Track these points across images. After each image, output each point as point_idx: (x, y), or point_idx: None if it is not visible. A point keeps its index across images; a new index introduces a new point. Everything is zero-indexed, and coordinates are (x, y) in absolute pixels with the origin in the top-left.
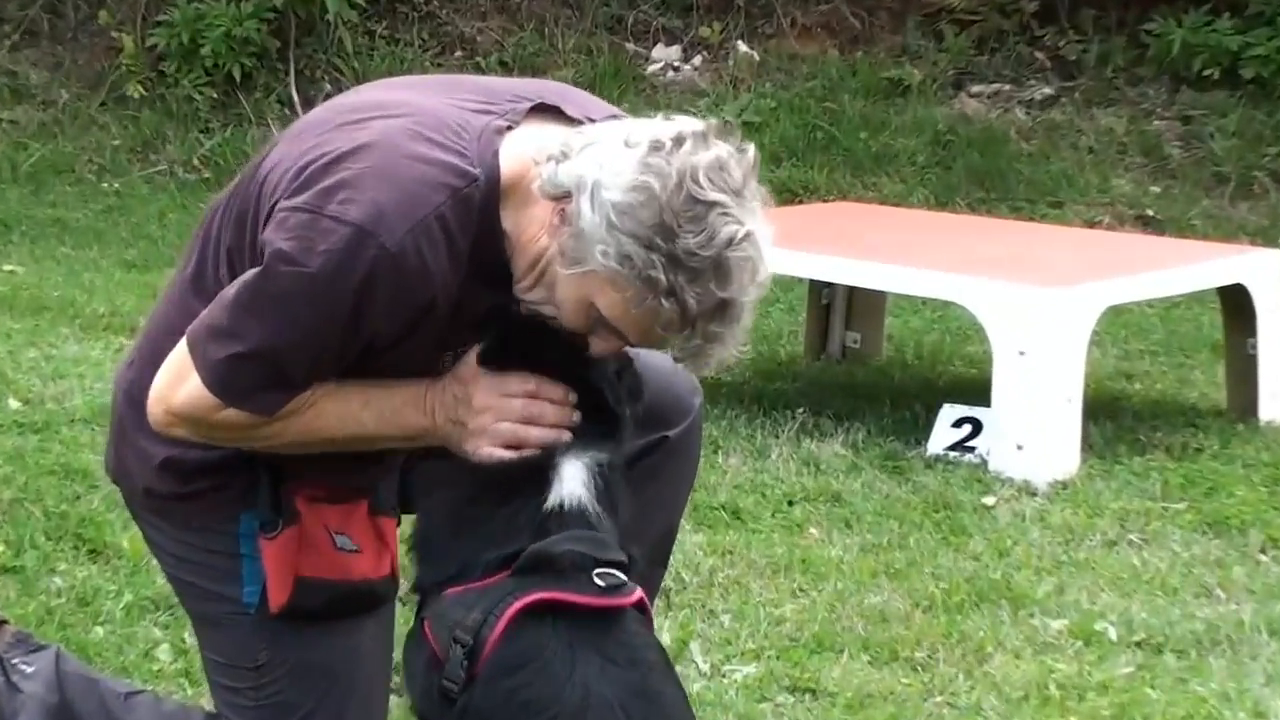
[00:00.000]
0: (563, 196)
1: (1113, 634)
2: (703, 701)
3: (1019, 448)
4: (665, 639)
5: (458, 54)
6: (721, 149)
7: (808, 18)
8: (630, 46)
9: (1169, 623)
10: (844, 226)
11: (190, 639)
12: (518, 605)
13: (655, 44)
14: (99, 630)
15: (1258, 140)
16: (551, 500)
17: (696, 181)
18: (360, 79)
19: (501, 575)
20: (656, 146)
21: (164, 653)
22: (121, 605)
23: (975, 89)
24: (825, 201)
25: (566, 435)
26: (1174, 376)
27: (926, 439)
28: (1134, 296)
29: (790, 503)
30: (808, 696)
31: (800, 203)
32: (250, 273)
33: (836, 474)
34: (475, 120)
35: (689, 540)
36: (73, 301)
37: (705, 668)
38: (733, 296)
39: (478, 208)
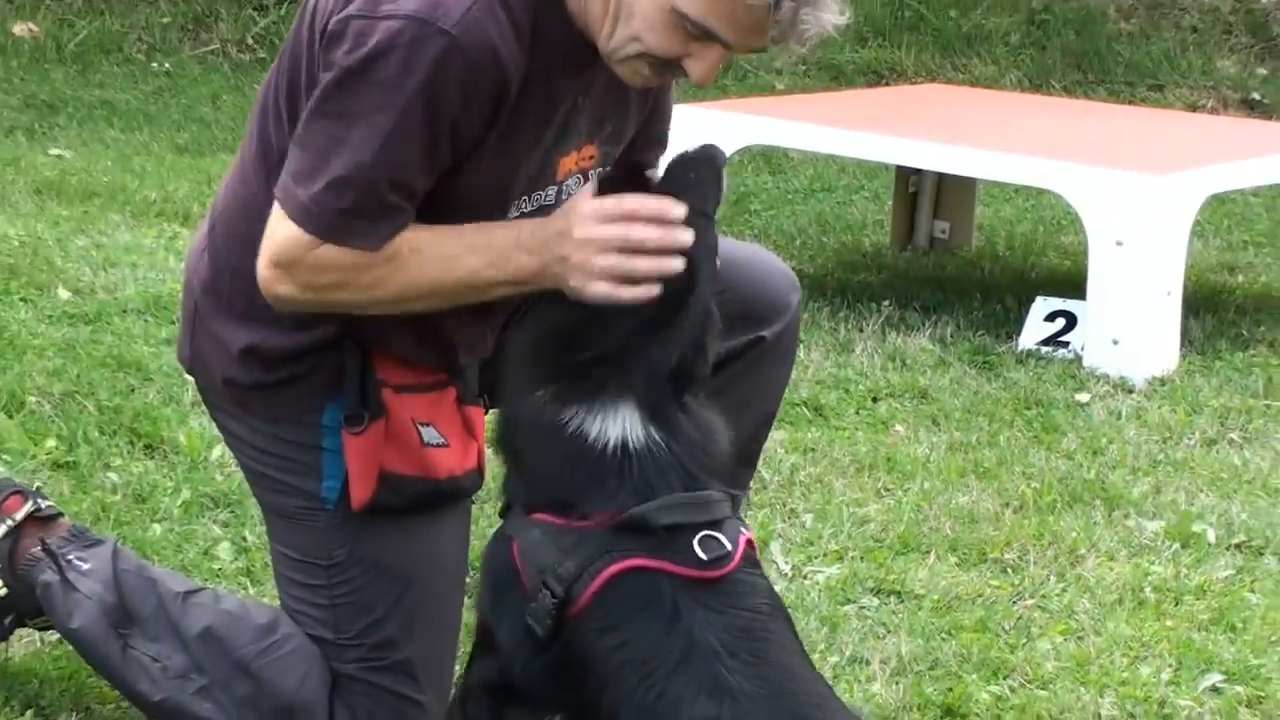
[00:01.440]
0: None
1: (1211, 536)
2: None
3: (1115, 343)
4: None
5: None
6: None
7: None
8: None
9: (1270, 524)
10: (932, 110)
11: (252, 537)
12: (615, 569)
13: None
14: (156, 528)
15: None
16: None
17: None
18: None
19: (599, 522)
20: None
21: (224, 551)
22: (179, 502)
23: None
24: (913, 84)
25: (678, 263)
26: (1279, 269)
27: (1018, 333)
28: (1238, 184)
29: (875, 399)
30: (892, 599)
31: (886, 84)
32: (314, 101)
33: (923, 369)
34: None
35: (770, 438)
36: (123, 187)
37: (786, 569)
38: None
39: None
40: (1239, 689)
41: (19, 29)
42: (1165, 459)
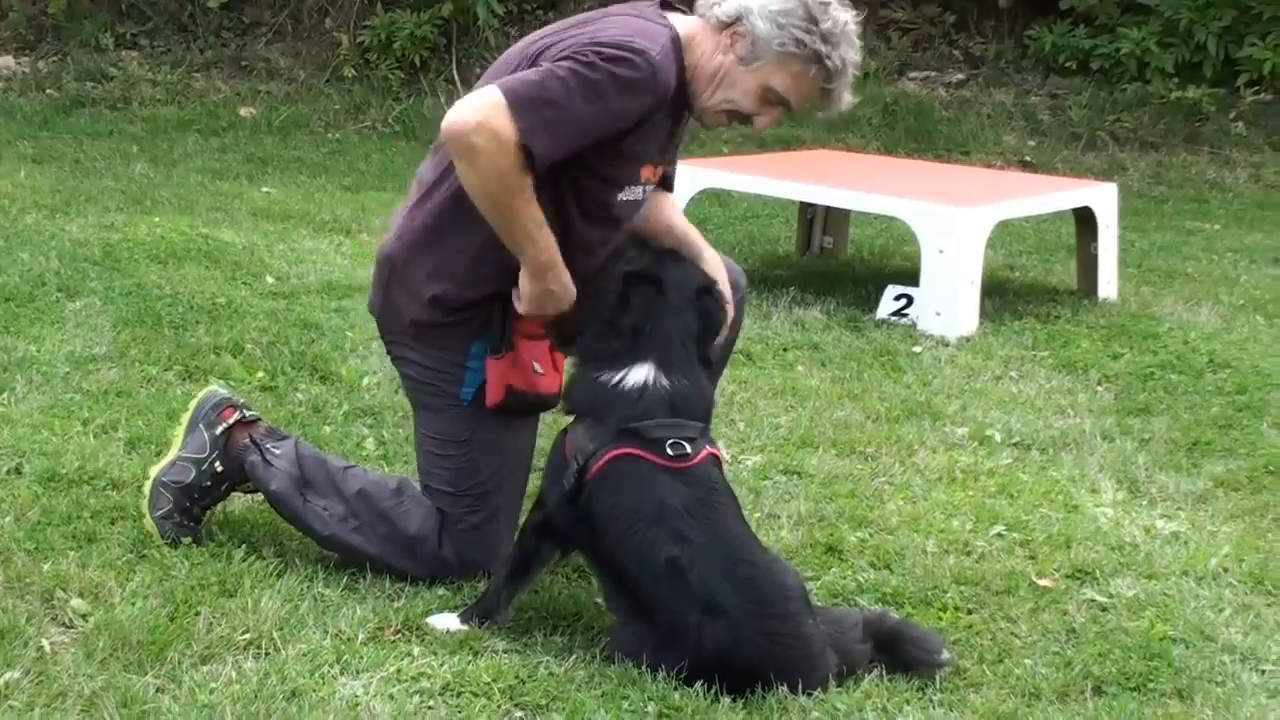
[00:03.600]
0: (731, 23)
1: (998, 437)
2: None
3: (938, 314)
4: None
5: None
6: None
7: None
8: None
9: (1035, 430)
10: (823, 166)
11: (388, 434)
12: (615, 453)
13: None
14: (326, 429)
15: (1101, 111)
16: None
17: None
18: None
19: (611, 426)
20: None
21: (370, 444)
22: (342, 412)
23: (912, 75)
24: (810, 149)
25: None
26: (1042, 269)
27: (876, 308)
28: (1017, 214)
29: (785, 350)
30: (795, 476)
31: (793, 149)
32: (560, 62)
33: (816, 330)
34: (645, 7)
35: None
36: (308, 212)
37: (728, 457)
38: (855, 58)
39: (675, 59)
40: (1015, 535)
41: (244, 111)
42: (969, 388)
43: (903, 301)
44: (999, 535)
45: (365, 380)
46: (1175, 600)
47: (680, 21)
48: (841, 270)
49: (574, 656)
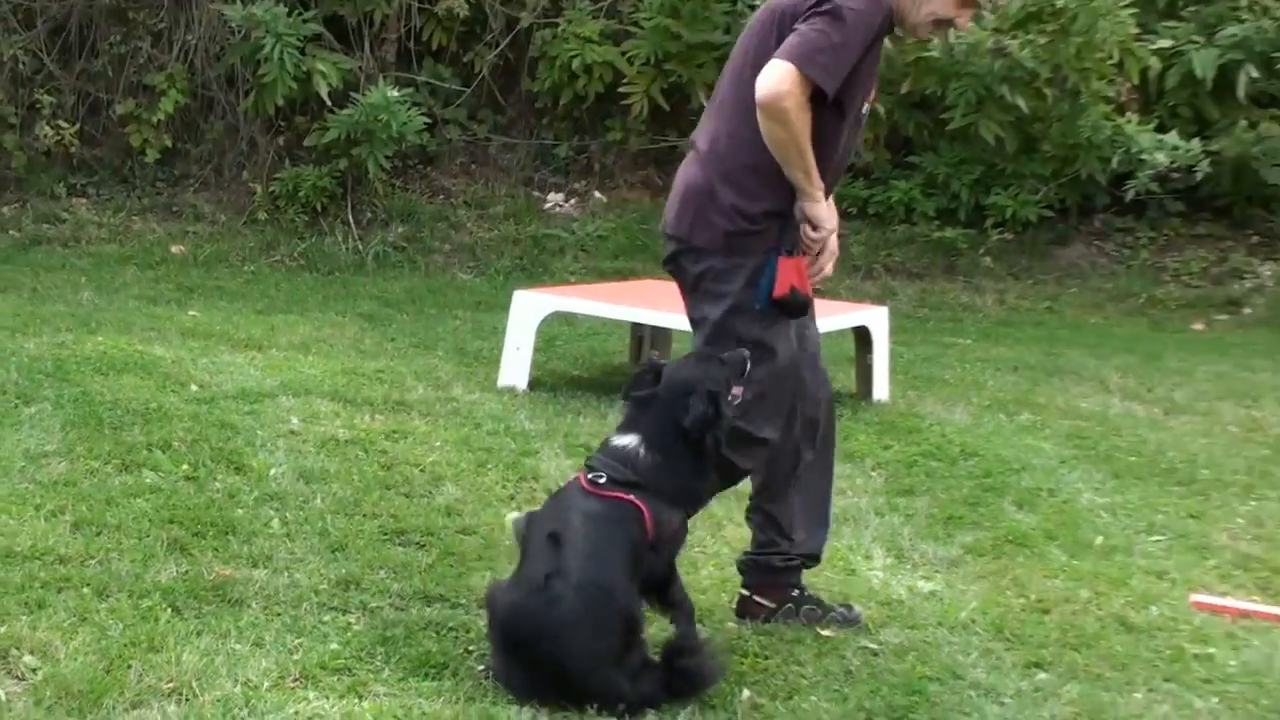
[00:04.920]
0: None
1: None
2: None
3: None
4: None
5: (439, 198)
6: None
7: (633, 178)
8: (536, 194)
9: None
10: (650, 293)
11: (291, 515)
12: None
13: (550, 192)
14: (239, 511)
15: (876, 248)
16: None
17: None
18: (389, 213)
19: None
20: None
21: (275, 524)
22: (253, 498)
23: None
24: (640, 279)
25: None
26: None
27: None
28: None
29: None
30: None
31: (627, 279)
32: (809, 20)
33: None
34: None
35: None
36: (226, 332)
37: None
38: None
39: None
40: None
41: (175, 249)
42: None
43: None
44: None
45: (273, 471)
46: (932, 646)
47: None
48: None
49: (442, 698)
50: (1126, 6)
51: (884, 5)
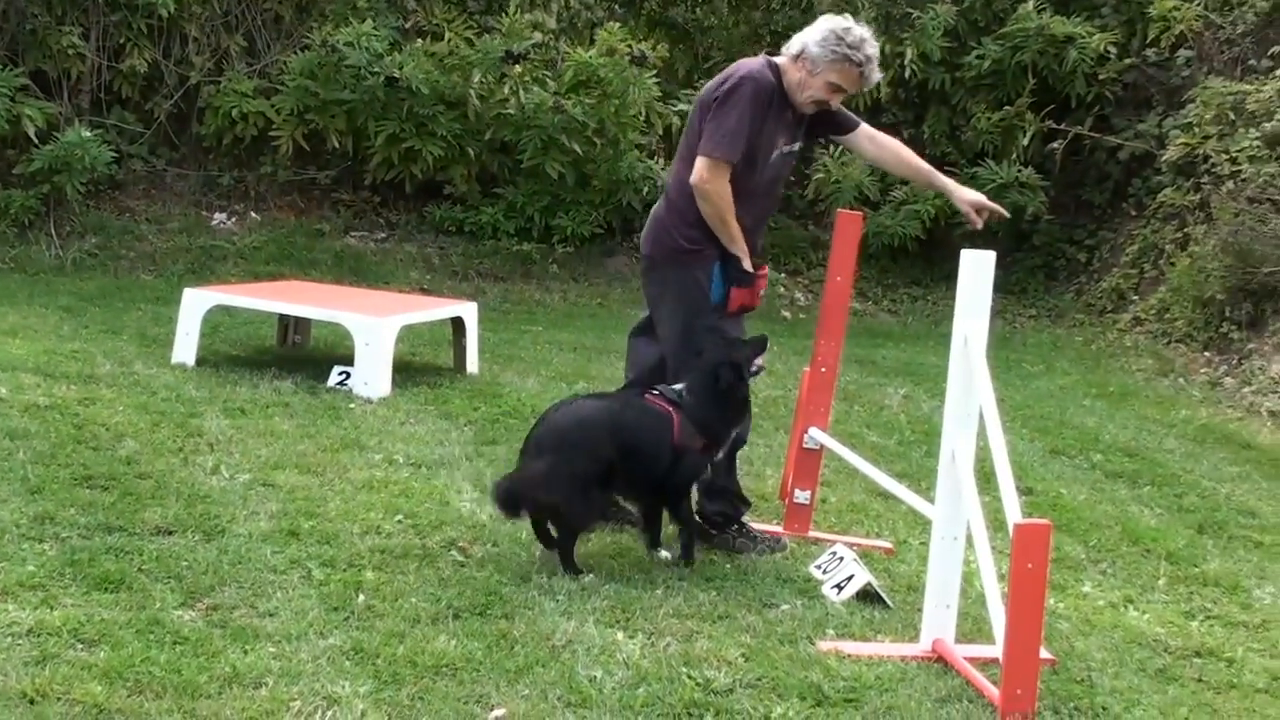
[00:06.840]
0: (798, 55)
1: (401, 460)
2: None
3: (365, 384)
4: None
5: (126, 215)
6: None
7: (282, 202)
8: (204, 213)
9: (424, 455)
10: (294, 291)
11: None
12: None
13: (216, 212)
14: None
15: (471, 258)
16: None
17: (837, 27)
18: (85, 227)
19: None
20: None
21: None
22: None
23: (353, 234)
24: (287, 279)
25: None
26: (432, 354)
27: (327, 380)
28: (416, 320)
29: (268, 406)
30: (271, 488)
31: (276, 279)
32: (711, 114)
33: (288, 395)
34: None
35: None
36: None
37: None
38: (874, 53)
39: (774, 73)
40: (409, 521)
41: None
42: (384, 430)
43: (344, 375)
44: (399, 521)
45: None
46: (507, 559)
47: (778, 60)
48: (306, 357)
49: (119, 607)
50: (652, 77)
51: (772, 82)
